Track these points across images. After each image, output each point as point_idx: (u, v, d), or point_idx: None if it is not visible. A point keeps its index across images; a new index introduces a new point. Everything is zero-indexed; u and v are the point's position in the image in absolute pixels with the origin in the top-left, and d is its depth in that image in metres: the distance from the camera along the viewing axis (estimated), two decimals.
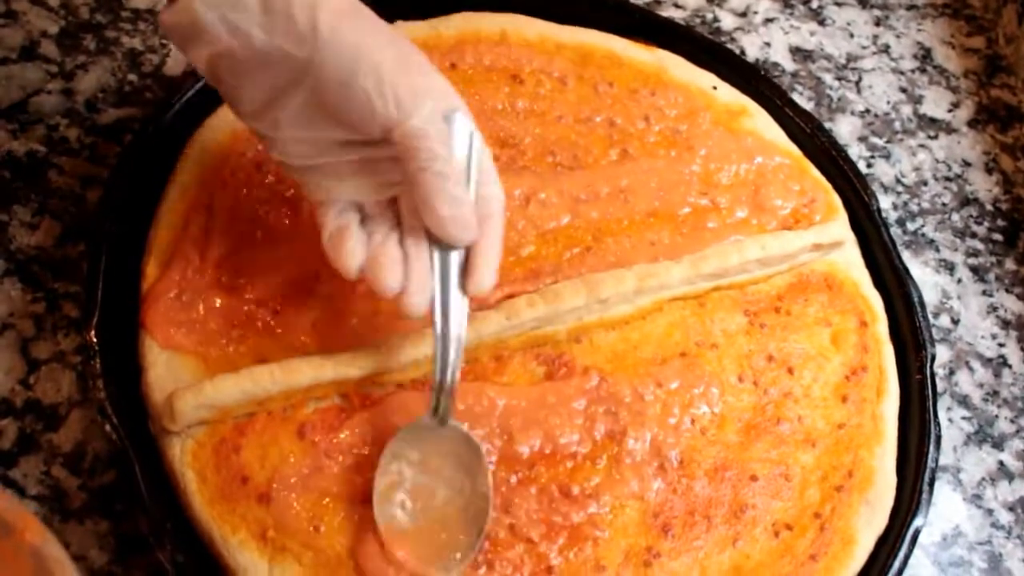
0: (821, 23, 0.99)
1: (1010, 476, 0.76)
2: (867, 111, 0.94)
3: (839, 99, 0.94)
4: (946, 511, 0.74)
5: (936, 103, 0.95)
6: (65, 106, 0.81)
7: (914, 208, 0.89)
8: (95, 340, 0.66)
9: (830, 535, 0.67)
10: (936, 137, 0.93)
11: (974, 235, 0.88)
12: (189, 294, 0.68)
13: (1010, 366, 0.81)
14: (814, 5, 1.00)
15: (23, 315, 0.72)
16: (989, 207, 0.89)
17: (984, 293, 0.85)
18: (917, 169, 0.91)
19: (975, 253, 0.87)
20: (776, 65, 0.95)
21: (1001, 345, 0.82)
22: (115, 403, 0.64)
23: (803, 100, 0.93)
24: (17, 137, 0.79)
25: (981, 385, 0.80)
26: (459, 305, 0.61)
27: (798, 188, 0.80)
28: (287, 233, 0.72)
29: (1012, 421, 0.79)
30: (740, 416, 0.71)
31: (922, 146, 0.92)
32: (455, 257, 0.60)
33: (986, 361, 0.81)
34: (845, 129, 0.92)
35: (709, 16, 0.97)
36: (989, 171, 0.92)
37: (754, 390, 0.72)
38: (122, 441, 0.63)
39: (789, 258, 0.77)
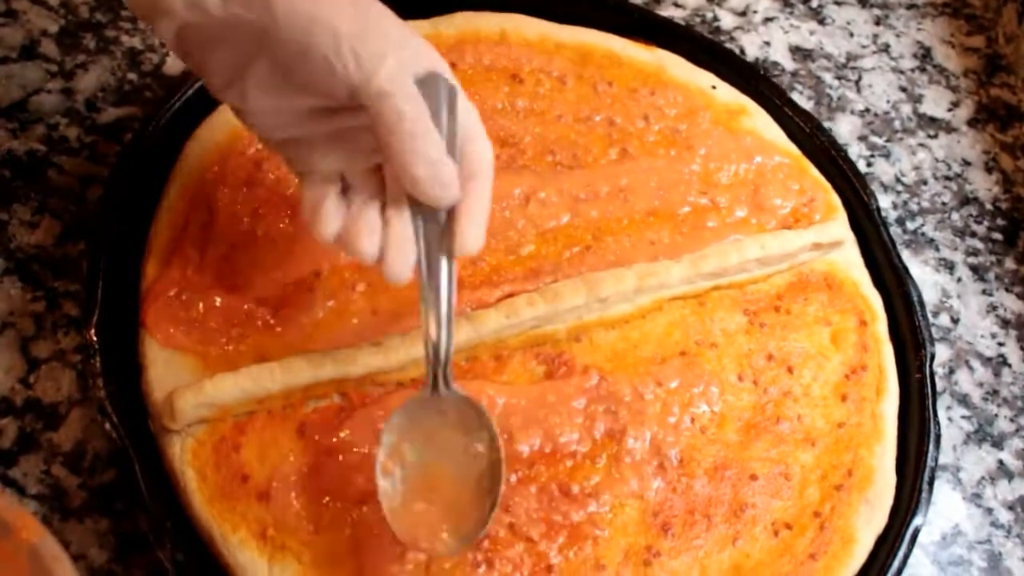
0: (821, 22, 0.99)
1: (1009, 475, 0.76)
2: (867, 110, 0.94)
3: (839, 98, 0.94)
4: (946, 510, 0.74)
5: (936, 102, 0.95)
6: (65, 105, 0.81)
7: (914, 207, 0.89)
8: (95, 339, 0.66)
9: (830, 534, 0.67)
10: (936, 136, 0.93)
11: (974, 234, 0.88)
12: (189, 293, 0.68)
13: (1010, 365, 0.81)
14: (814, 4, 1.00)
15: (23, 314, 0.72)
16: (989, 206, 0.89)
17: (984, 292, 0.85)
18: (917, 168, 0.91)
19: (975, 252, 0.87)
20: (776, 64, 0.95)
21: (1001, 344, 0.82)
22: (115, 402, 0.64)
23: (803, 99, 0.93)
24: (17, 136, 0.79)
25: (981, 384, 0.80)
26: (445, 270, 0.58)
27: (797, 187, 0.80)
28: (287, 232, 0.72)
29: (1012, 420, 0.79)
30: (740, 415, 0.71)
31: (922, 145, 0.92)
32: (438, 220, 0.58)
33: (986, 360, 0.81)
34: (845, 128, 0.92)
35: (709, 15, 0.97)
36: (989, 170, 0.92)
37: (754, 389, 0.72)
38: (122, 440, 0.63)
39: (789, 257, 0.77)
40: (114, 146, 0.80)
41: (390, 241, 0.58)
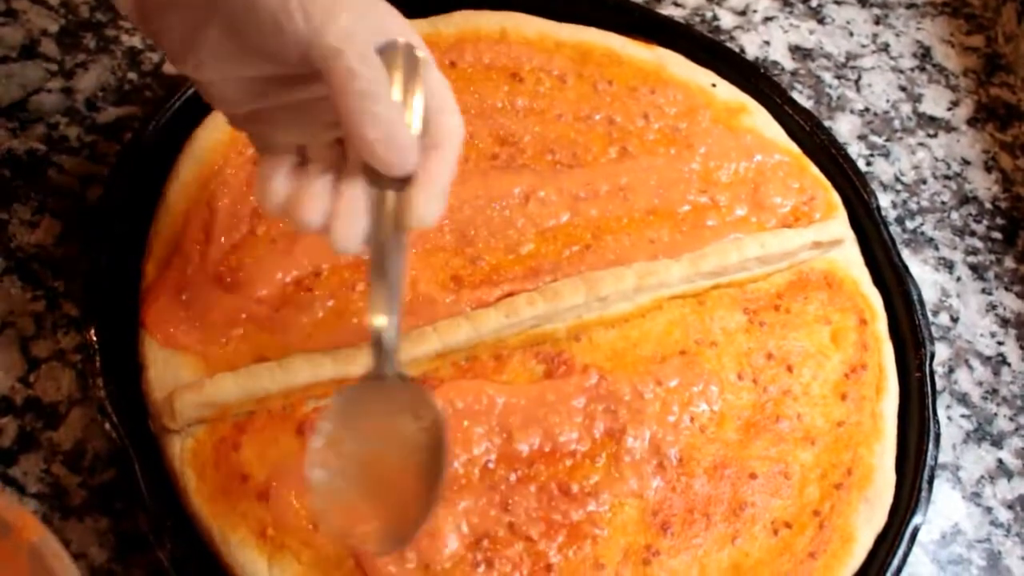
0: (820, 22, 0.99)
1: (1009, 474, 0.76)
2: (866, 109, 0.94)
3: (838, 97, 0.94)
4: (945, 509, 0.75)
5: (935, 101, 0.95)
6: (65, 105, 0.81)
7: (913, 206, 0.89)
8: (95, 338, 0.66)
9: (829, 533, 0.67)
10: (935, 135, 0.93)
11: (973, 233, 0.88)
12: (189, 292, 0.68)
13: (1009, 364, 0.81)
14: (813, 4, 1.00)
15: (23, 313, 0.72)
16: (988, 205, 0.89)
17: (983, 291, 0.85)
18: (916, 167, 0.91)
19: (974, 251, 0.87)
20: (775, 63, 0.95)
21: (1000, 343, 0.82)
22: (115, 401, 0.64)
23: (802, 98, 0.93)
24: (17, 135, 0.79)
25: (980, 383, 0.80)
26: (394, 243, 0.54)
27: (797, 186, 0.80)
28: (287, 232, 0.72)
29: (1011, 419, 0.79)
30: (739, 414, 0.71)
31: (921, 144, 0.92)
32: (392, 190, 0.54)
33: (985, 359, 0.81)
34: (844, 127, 0.92)
35: (708, 14, 0.97)
36: (988, 169, 0.92)
37: (753, 388, 0.72)
38: (122, 439, 0.63)
39: (788, 256, 0.77)
40: (114, 146, 0.80)
41: (338, 209, 0.54)
